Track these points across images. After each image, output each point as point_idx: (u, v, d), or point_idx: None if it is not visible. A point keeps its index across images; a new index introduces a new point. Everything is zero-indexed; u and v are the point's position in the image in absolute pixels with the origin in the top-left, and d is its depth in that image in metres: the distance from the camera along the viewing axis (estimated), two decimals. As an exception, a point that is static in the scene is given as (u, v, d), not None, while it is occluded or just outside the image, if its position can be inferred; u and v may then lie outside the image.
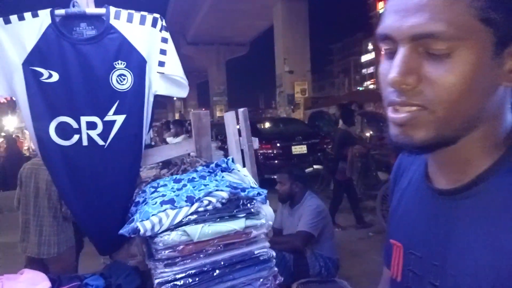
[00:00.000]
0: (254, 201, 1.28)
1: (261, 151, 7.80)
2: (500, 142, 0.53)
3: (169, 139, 6.75)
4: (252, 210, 1.27)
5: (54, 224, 2.67)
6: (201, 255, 1.21)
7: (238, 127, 1.86)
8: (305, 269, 2.75)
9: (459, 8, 0.46)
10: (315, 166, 6.39)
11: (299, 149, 8.01)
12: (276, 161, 7.88)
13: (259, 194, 1.29)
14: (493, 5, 0.46)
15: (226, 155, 1.91)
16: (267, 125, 9.68)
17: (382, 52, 0.55)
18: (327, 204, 5.90)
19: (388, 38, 0.52)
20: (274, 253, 1.31)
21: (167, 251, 1.17)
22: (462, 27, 0.46)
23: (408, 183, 0.69)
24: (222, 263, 1.23)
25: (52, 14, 1.50)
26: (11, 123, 14.55)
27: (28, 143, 12.65)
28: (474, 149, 0.53)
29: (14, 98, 1.55)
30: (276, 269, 1.31)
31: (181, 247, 1.18)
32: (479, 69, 0.47)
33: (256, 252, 1.27)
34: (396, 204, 0.72)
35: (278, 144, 7.96)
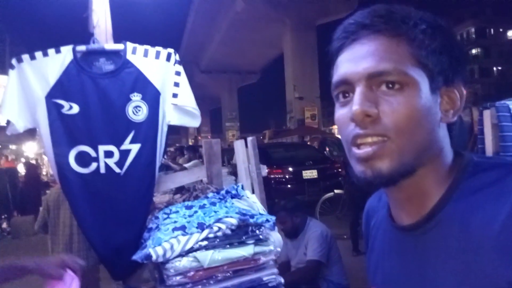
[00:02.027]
0: (263, 227, 1.31)
1: (272, 176, 7.81)
2: (446, 173, 0.58)
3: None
4: (261, 236, 1.30)
5: (84, 239, 2.77)
6: (211, 281, 1.23)
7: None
8: None
9: (401, 53, 0.55)
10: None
11: (310, 174, 8.00)
12: (287, 186, 7.87)
13: (267, 220, 1.32)
14: (425, 54, 0.55)
15: (237, 180, 1.95)
16: (278, 150, 9.72)
17: (337, 104, 0.60)
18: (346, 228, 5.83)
19: (345, 83, 0.58)
20: (282, 280, 1.32)
21: (178, 277, 1.20)
22: (407, 66, 0.54)
23: (377, 227, 0.72)
24: (231, 289, 1.25)
25: (74, 50, 1.61)
26: (30, 149, 14.92)
27: (47, 169, 12.90)
28: (428, 181, 0.57)
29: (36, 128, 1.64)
30: (284, 295, 1.32)
31: (192, 273, 1.21)
32: (425, 103, 0.54)
33: (264, 279, 1.29)
34: (370, 250, 0.74)
35: (289, 169, 7.98)
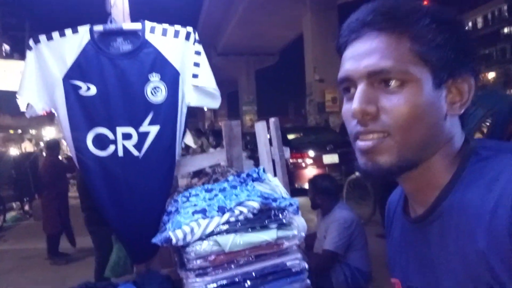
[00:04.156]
0: (286, 211, 1.27)
1: (291, 161, 7.74)
2: (453, 162, 0.59)
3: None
4: (284, 221, 1.26)
5: None
6: (232, 266, 1.20)
7: (269, 136, 1.85)
8: (327, 279, 2.66)
9: (402, 50, 0.56)
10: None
11: (331, 158, 7.87)
12: (306, 171, 7.79)
13: (291, 204, 1.27)
14: (427, 50, 0.56)
15: (256, 164, 1.90)
16: (297, 133, 9.61)
17: (344, 98, 0.63)
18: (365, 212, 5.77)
19: (347, 80, 0.60)
20: (306, 265, 1.28)
21: (198, 261, 1.18)
22: (407, 64, 0.55)
23: (396, 220, 0.74)
24: (253, 274, 1.22)
25: (91, 30, 1.57)
26: (49, 133, 15.28)
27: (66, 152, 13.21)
28: (434, 172, 0.59)
29: (53, 111, 1.63)
30: (308, 281, 1.28)
31: (213, 257, 1.18)
32: (427, 99, 0.55)
33: (288, 264, 1.25)
34: (389, 243, 0.77)
35: (309, 153, 7.88)
